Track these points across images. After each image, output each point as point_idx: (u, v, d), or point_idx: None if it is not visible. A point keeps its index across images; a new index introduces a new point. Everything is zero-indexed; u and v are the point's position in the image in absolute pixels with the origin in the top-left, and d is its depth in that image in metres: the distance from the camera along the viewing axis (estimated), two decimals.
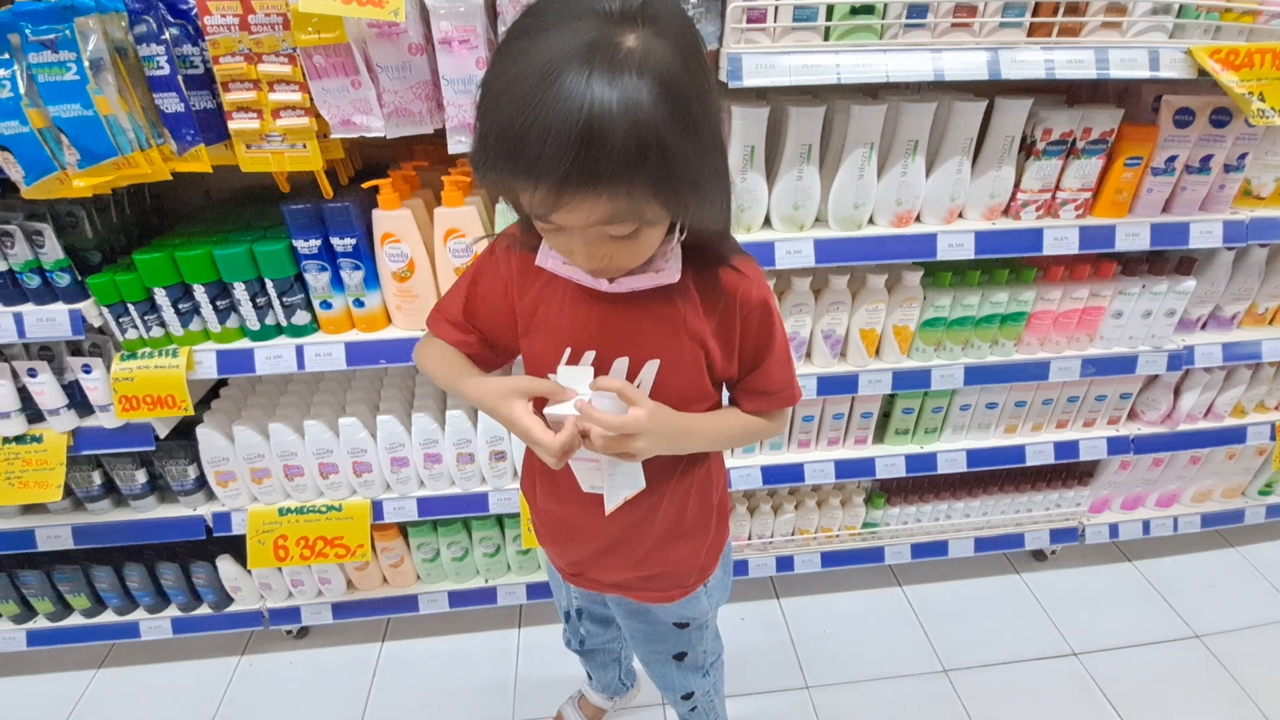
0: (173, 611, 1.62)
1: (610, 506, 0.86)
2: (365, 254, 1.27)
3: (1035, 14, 1.21)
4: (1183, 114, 1.34)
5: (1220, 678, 1.61)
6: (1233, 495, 1.92)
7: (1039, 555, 1.94)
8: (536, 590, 1.68)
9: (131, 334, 1.28)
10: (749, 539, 1.74)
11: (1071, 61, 1.21)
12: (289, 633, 1.74)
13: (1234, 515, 1.90)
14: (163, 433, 1.38)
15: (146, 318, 1.27)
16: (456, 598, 1.67)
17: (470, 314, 0.88)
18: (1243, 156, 1.42)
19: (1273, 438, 1.73)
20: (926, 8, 1.17)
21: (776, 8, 1.14)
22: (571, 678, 1.57)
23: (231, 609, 1.63)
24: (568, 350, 0.81)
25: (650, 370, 0.81)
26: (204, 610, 1.63)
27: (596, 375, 0.78)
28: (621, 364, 0.81)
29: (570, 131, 0.52)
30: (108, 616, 1.61)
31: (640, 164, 0.55)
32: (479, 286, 0.87)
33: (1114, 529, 1.84)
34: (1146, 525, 1.85)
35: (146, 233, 1.44)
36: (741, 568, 1.72)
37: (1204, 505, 1.90)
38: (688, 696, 1.20)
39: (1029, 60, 1.20)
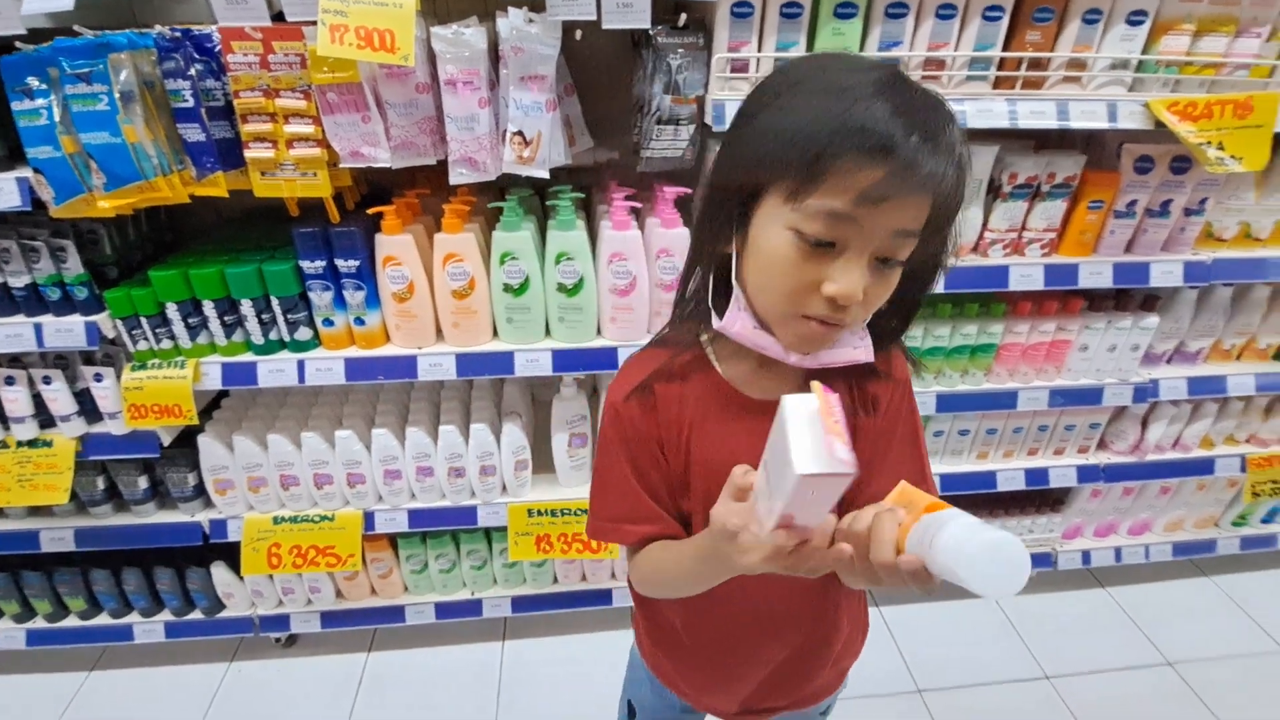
0: (166, 616, 1.67)
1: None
2: (368, 275, 1.34)
3: (1000, 68, 1.30)
4: (1143, 161, 1.42)
5: (1191, 705, 1.64)
6: (1205, 525, 1.96)
7: None
8: (521, 603, 1.72)
9: (142, 345, 1.35)
10: None
11: (1034, 112, 1.29)
12: (278, 640, 1.78)
13: (1206, 545, 1.95)
14: (167, 441, 1.44)
15: (157, 330, 1.34)
16: (443, 609, 1.71)
17: (654, 495, 0.74)
18: (1204, 201, 1.49)
19: (1243, 470, 1.79)
20: (897, 61, 1.26)
21: (758, 59, 1.23)
22: (555, 689, 1.60)
23: (223, 615, 1.67)
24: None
25: None
26: (196, 615, 1.67)
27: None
28: None
29: (929, 118, 0.55)
30: (103, 619, 1.65)
31: (953, 177, 0.57)
32: (639, 463, 0.73)
33: (1086, 556, 1.88)
34: (1119, 553, 1.90)
35: (160, 249, 1.52)
36: None
37: (1176, 535, 1.95)
38: None
39: (994, 110, 1.28)
